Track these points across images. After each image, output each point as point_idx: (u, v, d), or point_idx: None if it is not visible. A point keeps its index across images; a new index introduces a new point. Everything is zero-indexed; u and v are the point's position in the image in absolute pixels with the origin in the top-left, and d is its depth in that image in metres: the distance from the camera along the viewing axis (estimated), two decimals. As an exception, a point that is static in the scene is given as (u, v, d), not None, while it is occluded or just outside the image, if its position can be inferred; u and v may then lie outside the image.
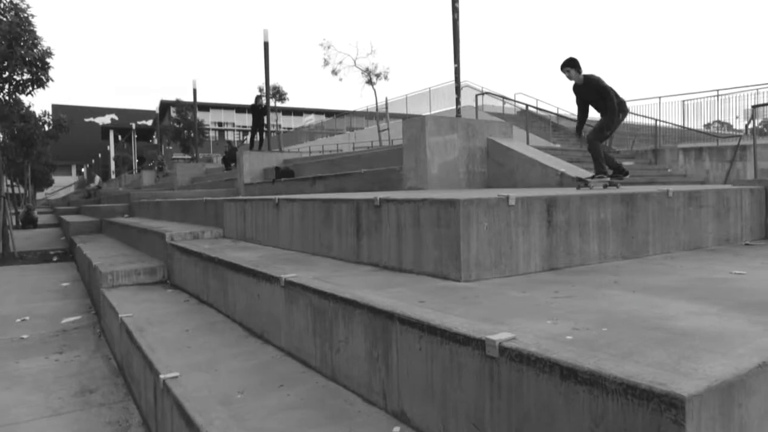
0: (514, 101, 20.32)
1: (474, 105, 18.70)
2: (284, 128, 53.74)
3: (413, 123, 6.92)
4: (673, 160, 13.42)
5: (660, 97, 16.15)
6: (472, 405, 1.82)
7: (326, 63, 32.06)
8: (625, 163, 12.85)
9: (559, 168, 6.21)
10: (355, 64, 31.23)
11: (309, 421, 2.22)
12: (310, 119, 61.56)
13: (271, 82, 18.52)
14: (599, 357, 1.53)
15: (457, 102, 11.19)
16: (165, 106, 53.61)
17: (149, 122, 76.83)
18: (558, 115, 21.06)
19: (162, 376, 2.84)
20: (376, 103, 30.24)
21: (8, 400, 3.93)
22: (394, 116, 27.99)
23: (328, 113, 58.70)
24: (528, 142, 12.02)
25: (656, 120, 15.21)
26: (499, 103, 22.67)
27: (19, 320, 6.22)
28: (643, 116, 15.99)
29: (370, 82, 31.17)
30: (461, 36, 10.88)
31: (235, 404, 2.45)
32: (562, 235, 3.25)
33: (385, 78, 31.79)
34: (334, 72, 32.07)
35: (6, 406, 3.82)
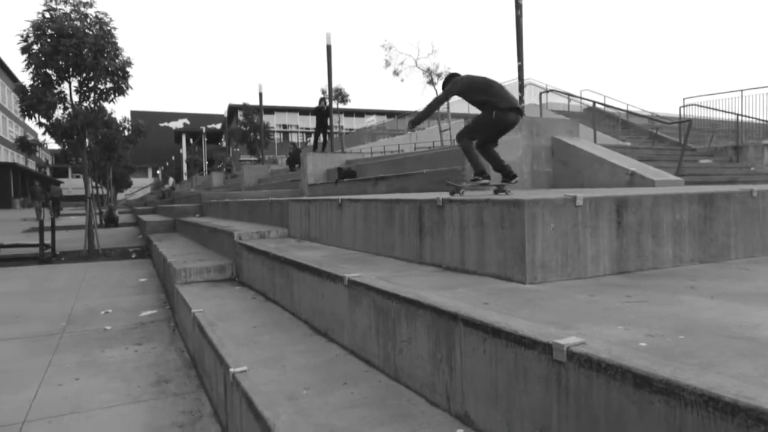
0: (580, 98, 19.63)
1: (538, 103, 18.23)
2: (346, 129, 54.53)
3: (476, 122, 6.82)
4: (757, 158, 12.52)
5: (742, 91, 15.11)
6: (538, 410, 1.78)
7: (388, 64, 32.23)
8: (702, 161, 12.13)
9: (628, 167, 5.95)
10: (416, 65, 31.20)
11: (372, 420, 2.25)
12: (371, 120, 62.14)
13: (334, 84, 18.84)
14: (676, 366, 1.46)
15: (521, 100, 10.95)
16: (233, 110, 55.71)
17: (218, 126, 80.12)
18: (628, 112, 20.17)
19: (232, 370, 2.96)
20: (438, 103, 30.02)
21: (96, 387, 4.21)
22: (456, 116, 27.76)
23: (390, 114, 59.02)
24: (595, 141, 11.59)
25: (738, 115, 14.24)
26: (564, 101, 21.99)
27: (103, 312, 6.66)
28: (722, 111, 15.02)
29: (431, 82, 31.04)
30: (524, 33, 10.64)
31: (301, 400, 2.51)
32: (633, 236, 3.11)
33: (447, 77, 31.57)
34: (396, 73, 32.18)
35: (94, 392, 4.11)
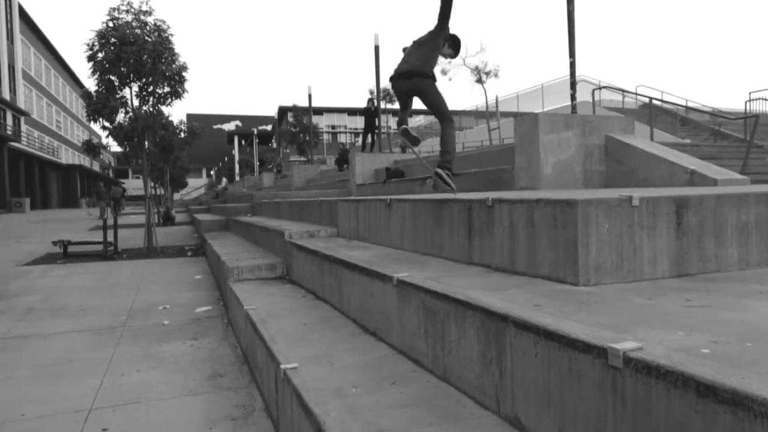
0: (636, 94, 18.92)
1: (591, 100, 17.72)
2: (394, 129, 54.57)
3: (525, 121, 6.71)
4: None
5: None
6: (593, 416, 1.73)
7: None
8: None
9: (688, 165, 5.69)
10: (464, 63, 30.93)
11: (421, 420, 2.25)
12: (419, 120, 62.00)
13: (382, 85, 18.91)
14: (744, 375, 1.39)
15: (572, 98, 10.66)
16: (283, 111, 56.88)
17: (269, 127, 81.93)
18: (687, 108, 19.32)
19: (282, 367, 3.02)
20: (486, 102, 29.73)
21: (155, 379, 4.40)
22: (505, 115, 27.34)
23: (437, 113, 58.62)
24: (652, 138, 11.16)
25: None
26: (619, 97, 21.28)
27: (161, 308, 6.95)
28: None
29: (479, 80, 30.71)
30: (577, 28, 10.37)
31: (350, 398, 2.54)
32: (694, 238, 2.98)
33: (495, 76, 31.15)
34: (443, 72, 32.01)
35: (154, 383, 4.29)
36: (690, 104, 19.91)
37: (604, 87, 19.12)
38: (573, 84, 10.63)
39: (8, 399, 4.05)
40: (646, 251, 2.85)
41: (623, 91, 19.40)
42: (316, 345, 3.45)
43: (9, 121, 35.55)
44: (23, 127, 38.84)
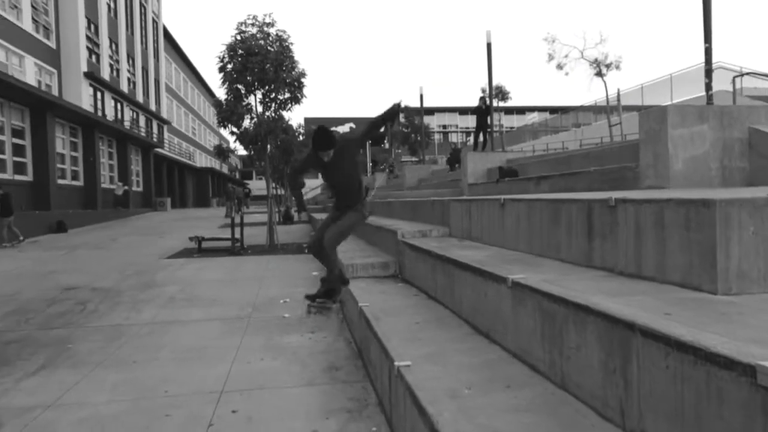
0: (788, 80, 16.70)
1: (730, 89, 15.98)
2: (506, 128, 53.31)
3: (651, 114, 6.22)
4: None
5: None
6: (734, 438, 1.57)
7: (551, 58, 30.87)
8: None
9: None
10: (582, 56, 29.42)
11: (537, 427, 2.18)
12: (533, 117, 59.96)
13: (494, 82, 18.54)
14: None
15: (708, 87, 9.68)
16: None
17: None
18: None
19: (396, 364, 3.08)
20: (607, 96, 27.98)
21: (277, 368, 4.70)
22: (627, 109, 25.52)
23: (552, 110, 56.39)
24: (809, 129, 9.80)
25: None
26: (765, 85, 18.98)
27: (282, 301, 7.39)
28: None
29: (599, 73, 29.01)
30: (713, 9, 9.40)
31: (463, 399, 2.53)
32: None
33: (617, 68, 29.25)
34: (560, 66, 30.68)
35: (276, 372, 4.59)
36: None
37: (748, 73, 17.13)
38: (709, 72, 9.65)
39: (155, 377, 4.54)
40: (801, 258, 2.52)
41: (771, 77, 17.24)
42: (428, 344, 3.48)
43: (155, 129, 39.87)
44: (165, 134, 43.32)
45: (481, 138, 16.92)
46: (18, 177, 18.63)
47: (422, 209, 7.94)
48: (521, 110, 64.06)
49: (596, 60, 29.02)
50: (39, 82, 24.21)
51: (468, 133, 59.83)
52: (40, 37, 24.72)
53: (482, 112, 16.44)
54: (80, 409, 3.94)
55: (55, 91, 25.44)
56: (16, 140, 18.61)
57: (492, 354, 3.19)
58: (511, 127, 55.48)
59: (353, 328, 5.50)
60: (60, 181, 21.22)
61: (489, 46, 14.69)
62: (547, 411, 2.32)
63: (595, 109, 32.53)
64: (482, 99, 16.68)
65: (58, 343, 5.66)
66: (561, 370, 2.55)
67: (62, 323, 6.56)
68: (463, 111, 63.04)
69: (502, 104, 44.94)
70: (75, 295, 8.16)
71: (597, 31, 48.47)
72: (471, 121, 57.27)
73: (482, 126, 16.67)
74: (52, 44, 25.92)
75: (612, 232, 3.21)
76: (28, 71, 23.34)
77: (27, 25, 23.50)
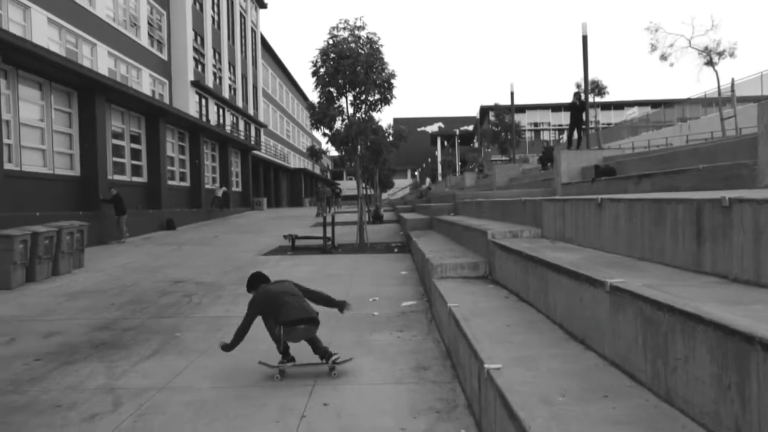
0: None
1: None
2: (603, 124, 50.70)
3: (775, 106, 5.63)
4: None
5: None
6: None
7: (653, 48, 28.83)
8: None
9: None
10: (690, 45, 27.22)
11: (639, 441, 2.05)
12: (632, 112, 56.52)
13: (590, 77, 17.67)
14: None
15: None
16: (484, 111, 56.88)
17: (470, 127, 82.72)
18: None
19: (486, 366, 3.03)
20: (719, 87, 25.71)
21: (366, 364, 4.79)
22: (743, 100, 23.30)
23: (654, 104, 52.88)
24: None
25: None
26: None
27: (371, 299, 7.52)
28: None
29: (710, 62, 26.70)
30: None
31: (556, 406, 2.43)
32: None
33: (731, 56, 26.71)
34: (663, 57, 28.59)
35: (366, 369, 4.68)
36: None
37: None
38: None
39: (253, 368, 4.79)
40: None
41: None
42: (519, 347, 3.39)
43: (253, 132, 42.12)
44: (262, 137, 45.61)
45: (575, 135, 16.21)
46: (135, 179, 20.42)
47: (513, 209, 7.74)
48: (619, 105, 60.62)
49: (706, 48, 26.74)
50: (153, 92, 26.42)
51: (561, 131, 57.55)
52: (154, 50, 26.96)
53: (577, 108, 15.74)
54: (187, 393, 4.24)
55: (166, 100, 27.66)
56: (133, 145, 20.41)
57: (587, 361, 3.04)
58: (608, 124, 52.68)
59: (442, 328, 5.48)
60: (170, 182, 22.99)
61: (585, 38, 14.03)
62: (649, 425, 2.18)
63: (705, 102, 30.03)
64: (577, 94, 15.97)
65: (167, 332, 6.14)
66: (666, 383, 2.39)
67: (171, 313, 7.11)
68: (556, 108, 60.72)
69: (598, 99, 42.70)
70: (182, 288, 8.81)
71: (708, 16, 44.59)
72: (564, 118, 55.07)
73: (577, 123, 15.96)
74: (164, 56, 28.17)
75: (725, 235, 2.95)
76: (144, 82, 25.55)
77: (144, 40, 25.74)
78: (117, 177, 18.83)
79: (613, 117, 58.62)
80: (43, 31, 17.77)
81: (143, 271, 10.71)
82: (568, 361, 3.07)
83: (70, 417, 3.86)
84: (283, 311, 4.48)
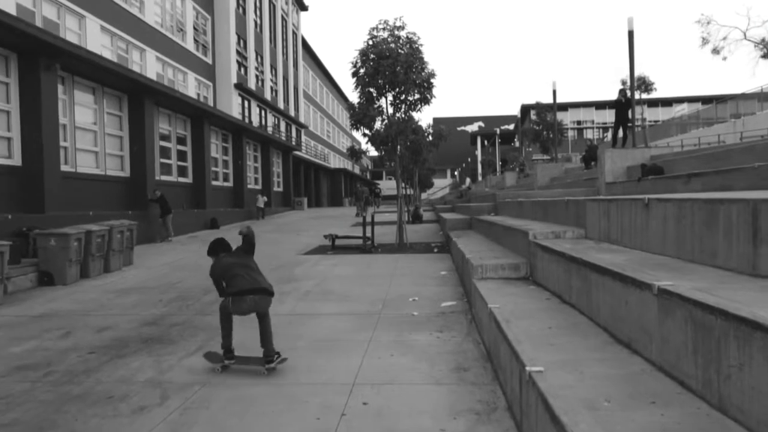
0: None
1: None
2: (650, 122, 49.06)
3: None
4: None
5: None
6: None
7: (704, 42, 27.78)
8: None
9: None
10: (745, 37, 26.10)
11: (689, 450, 1.98)
12: (681, 109, 54.49)
13: (636, 73, 17.12)
14: None
15: None
16: (525, 109, 55.95)
17: (511, 126, 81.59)
18: None
19: (527, 369, 2.98)
20: (777, 80, 24.46)
21: (405, 364, 4.79)
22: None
23: (705, 100, 50.84)
24: None
25: None
26: None
27: (411, 299, 7.51)
28: None
29: (767, 55, 25.48)
30: None
31: (601, 411, 2.37)
32: None
33: (791, 47, 25.45)
34: (716, 50, 27.51)
35: (404, 369, 4.68)
36: None
37: None
38: None
39: (294, 365, 4.87)
40: None
41: None
42: (562, 350, 3.32)
43: (293, 133, 42.74)
44: (303, 138, 46.22)
45: (620, 133, 15.74)
46: (181, 179, 21.03)
47: (555, 209, 7.59)
48: (667, 102, 58.52)
49: (764, 40, 25.54)
50: (198, 95, 27.16)
51: (605, 129, 56.01)
52: (199, 54, 27.71)
53: (622, 105, 15.27)
54: (229, 389, 4.34)
55: (210, 102, 28.38)
56: (179, 147, 21.03)
57: (634, 366, 2.95)
58: (656, 121, 50.94)
59: (482, 329, 5.42)
60: (213, 183, 23.57)
61: (631, 34, 13.61)
62: (700, 433, 2.10)
63: (761, 97, 28.66)
64: (622, 91, 15.49)
65: (211, 328, 6.30)
66: (719, 391, 2.29)
67: (214, 310, 7.28)
68: (600, 105, 59.10)
69: (645, 96, 41.38)
70: (226, 286, 9.02)
71: (765, 6, 42.45)
72: (609, 116, 53.58)
73: (622, 120, 15.48)
74: (209, 60, 28.92)
75: (784, 237, 2.81)
76: (190, 85, 26.30)
77: (190, 45, 26.50)
78: (164, 178, 19.44)
79: (660, 114, 56.67)
80: (97, 39, 18.53)
81: (188, 269, 11.02)
82: (613, 365, 2.99)
83: (121, 408, 4.02)
84: (233, 282, 4.74)
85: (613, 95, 15.60)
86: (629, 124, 15.11)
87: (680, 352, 2.62)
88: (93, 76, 15.05)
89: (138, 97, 17.06)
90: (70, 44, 13.25)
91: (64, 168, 13.71)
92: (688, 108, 52.32)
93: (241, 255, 5.02)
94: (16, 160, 12.19)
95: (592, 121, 60.87)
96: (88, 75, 14.90)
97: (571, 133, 59.05)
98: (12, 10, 14.11)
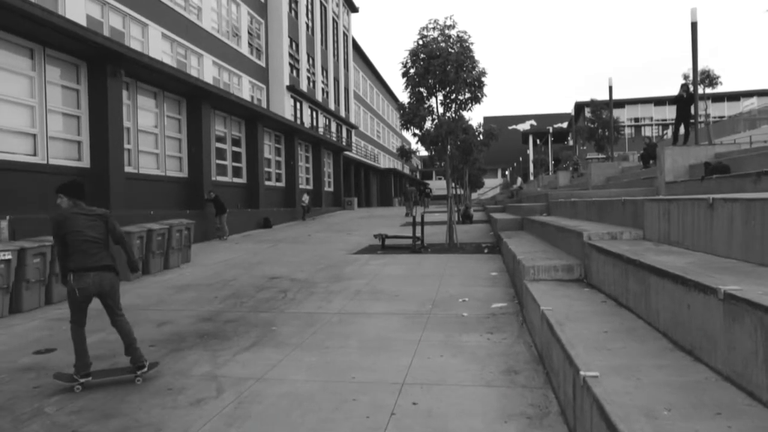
0: None
1: None
2: (714, 118, 46.69)
3: None
4: None
5: None
6: None
7: (777, 32, 26.02)
8: None
9: None
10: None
11: (758, 464, 1.87)
12: (750, 103, 51.49)
13: (700, 66, 16.32)
14: None
15: None
16: (579, 107, 54.40)
17: (564, 125, 79.50)
18: None
19: (582, 373, 2.90)
20: None
21: (455, 365, 4.76)
22: None
23: (778, 93, 47.85)
24: None
25: None
26: None
27: (461, 300, 7.45)
28: None
29: None
30: None
31: (661, 420, 2.28)
32: None
33: None
34: None
35: (454, 370, 4.65)
36: None
37: None
38: None
39: (343, 363, 4.93)
40: None
41: None
42: (618, 355, 3.21)
43: (344, 134, 43.25)
44: (353, 138, 46.70)
45: (682, 130, 15.03)
46: (235, 180, 21.68)
47: (610, 210, 7.35)
48: (734, 96, 55.46)
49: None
50: (252, 97, 27.92)
51: (665, 126, 53.67)
52: (253, 58, 28.48)
53: (684, 101, 14.58)
54: (282, 385, 4.44)
55: (264, 104, 29.11)
56: (234, 148, 21.68)
57: (696, 374, 2.82)
58: (721, 117, 48.42)
59: (534, 332, 5.31)
60: (266, 183, 24.15)
61: (694, 25, 12.99)
62: (770, 447, 1.98)
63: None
64: (684, 86, 14.79)
65: (265, 325, 6.46)
66: (790, 402, 2.16)
67: (268, 308, 7.47)
68: (659, 101, 56.69)
69: (709, 91, 39.36)
70: (278, 284, 9.23)
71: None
72: (669, 113, 51.31)
73: (684, 117, 14.77)
74: (262, 63, 29.67)
75: None
76: (244, 88, 27.07)
77: (244, 49, 27.28)
78: (219, 178, 20.08)
79: (726, 109, 53.79)
80: (158, 45, 19.37)
81: (242, 267, 11.35)
82: (674, 372, 2.86)
83: (179, 400, 4.18)
84: (73, 257, 4.44)
85: (675, 90, 14.89)
86: (691, 121, 14.42)
87: (749, 361, 2.48)
88: (154, 81, 15.73)
89: (196, 100, 17.71)
90: (134, 51, 13.91)
91: (127, 169, 14.39)
92: (757, 102, 49.44)
93: (86, 221, 4.59)
94: (85, 162, 12.90)
95: (651, 118, 58.44)
96: (150, 80, 15.58)
97: (627, 131, 56.94)
98: (83, 21, 14.95)
